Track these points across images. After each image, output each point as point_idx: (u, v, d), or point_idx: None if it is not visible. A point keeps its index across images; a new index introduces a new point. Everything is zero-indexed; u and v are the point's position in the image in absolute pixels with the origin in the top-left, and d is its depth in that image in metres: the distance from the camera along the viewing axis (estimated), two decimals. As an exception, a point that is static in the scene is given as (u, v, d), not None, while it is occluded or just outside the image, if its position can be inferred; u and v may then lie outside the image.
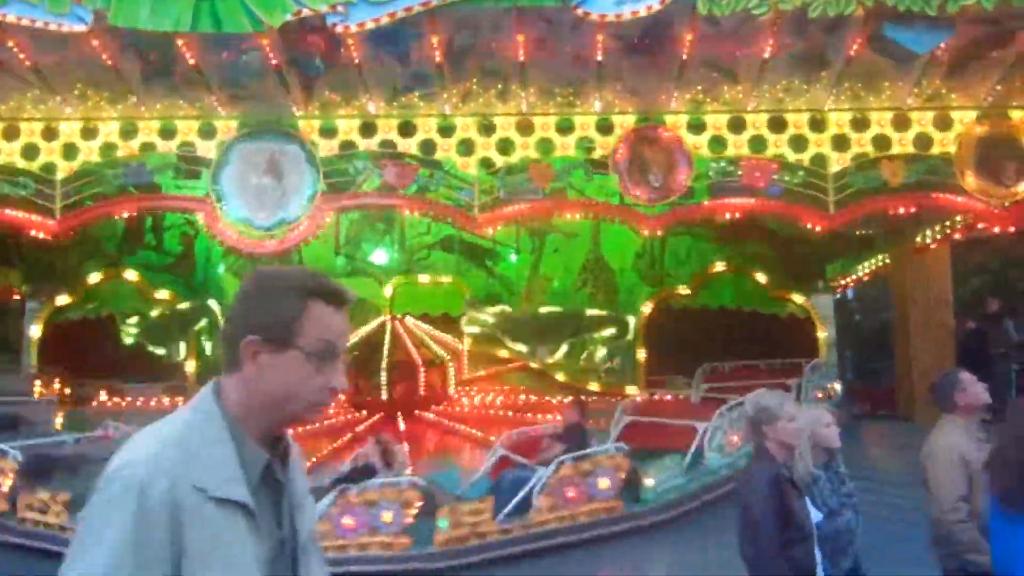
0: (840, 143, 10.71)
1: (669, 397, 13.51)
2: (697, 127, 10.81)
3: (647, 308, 15.16)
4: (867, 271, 15.81)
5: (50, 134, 10.48)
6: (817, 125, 10.74)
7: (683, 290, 15.35)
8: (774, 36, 9.40)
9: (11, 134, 10.46)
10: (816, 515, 3.81)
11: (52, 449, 9.16)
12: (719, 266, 15.39)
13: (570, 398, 11.06)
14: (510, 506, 8.11)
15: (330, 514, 7.61)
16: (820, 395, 12.19)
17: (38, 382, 12.73)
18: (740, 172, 10.77)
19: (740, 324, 14.93)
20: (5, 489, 8.25)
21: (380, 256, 15.20)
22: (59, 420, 12.06)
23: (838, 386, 13.54)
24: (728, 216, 11.66)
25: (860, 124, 10.73)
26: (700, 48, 9.59)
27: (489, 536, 7.87)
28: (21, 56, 9.40)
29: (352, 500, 7.72)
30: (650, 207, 10.83)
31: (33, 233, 10.86)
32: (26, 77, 9.77)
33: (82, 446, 9.31)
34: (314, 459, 10.48)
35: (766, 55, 9.64)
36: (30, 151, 10.45)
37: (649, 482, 8.83)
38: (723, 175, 10.90)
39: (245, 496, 1.57)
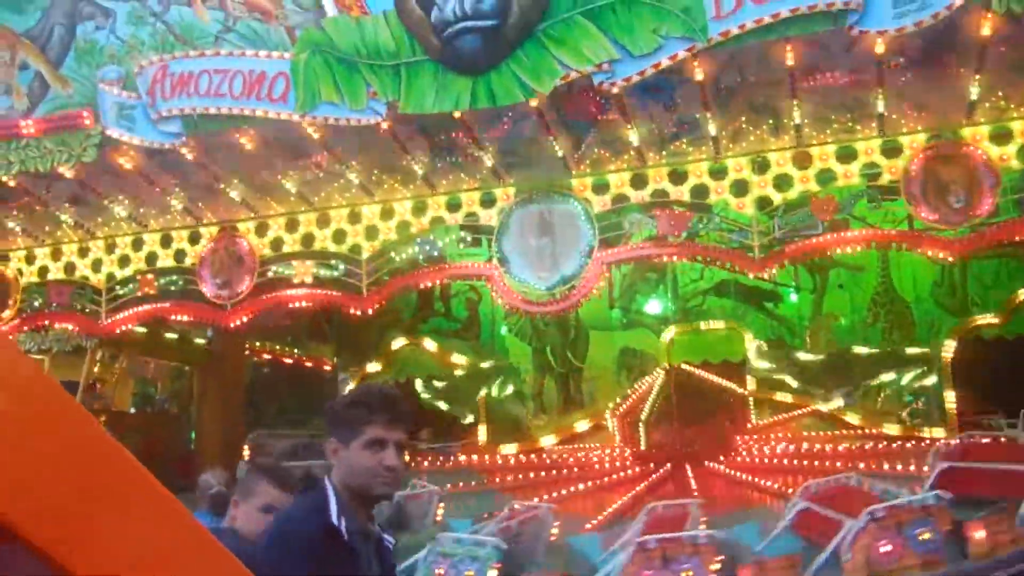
0: None
1: (987, 440, 12.02)
2: (1001, 136, 9.78)
3: (952, 341, 13.73)
4: None
5: (354, 218, 11.61)
6: None
7: (993, 319, 13.73)
8: (1091, 23, 8.32)
9: (323, 222, 11.72)
10: None
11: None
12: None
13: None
14: (819, 561, 7.52)
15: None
16: None
17: None
18: (1060, 181, 9.59)
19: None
20: None
21: (654, 306, 15.11)
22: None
23: None
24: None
25: None
26: (998, 51, 8.71)
27: None
28: (327, 152, 10.57)
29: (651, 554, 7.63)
30: (951, 230, 9.89)
31: (342, 309, 11.98)
32: (332, 170, 10.95)
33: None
34: (606, 513, 10.56)
35: (1081, 46, 8.57)
36: (339, 235, 11.63)
37: (979, 535, 7.68)
38: (1036, 186, 9.76)
39: None
